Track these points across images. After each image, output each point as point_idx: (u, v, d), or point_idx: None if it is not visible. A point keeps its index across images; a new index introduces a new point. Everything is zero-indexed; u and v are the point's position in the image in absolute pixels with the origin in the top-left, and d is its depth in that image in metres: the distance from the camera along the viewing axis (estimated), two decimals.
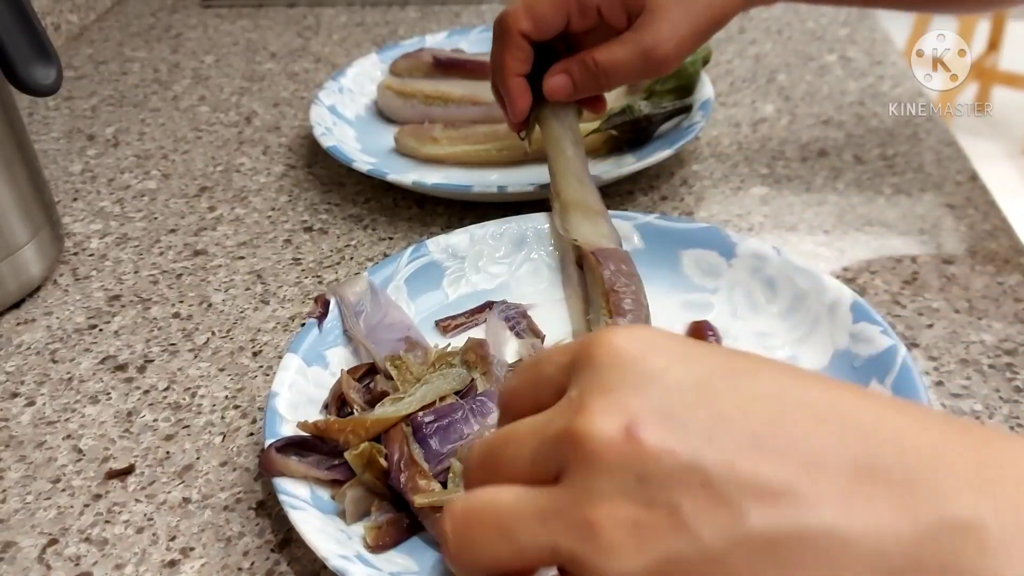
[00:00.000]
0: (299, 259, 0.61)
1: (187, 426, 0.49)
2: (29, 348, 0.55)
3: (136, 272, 0.61)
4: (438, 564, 0.39)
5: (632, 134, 0.67)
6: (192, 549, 0.42)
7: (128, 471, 0.46)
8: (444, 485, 0.40)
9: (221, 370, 0.52)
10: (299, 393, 0.46)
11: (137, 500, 0.45)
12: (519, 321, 0.51)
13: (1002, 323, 0.52)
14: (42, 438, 0.49)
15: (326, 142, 0.67)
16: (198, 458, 0.47)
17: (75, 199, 0.70)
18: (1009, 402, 0.47)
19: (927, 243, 0.60)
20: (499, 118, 0.70)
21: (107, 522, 0.43)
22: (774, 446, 0.24)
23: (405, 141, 0.70)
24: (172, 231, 0.65)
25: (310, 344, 0.48)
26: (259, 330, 0.55)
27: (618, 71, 0.53)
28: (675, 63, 0.54)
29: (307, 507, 0.40)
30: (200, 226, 0.66)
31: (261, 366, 0.53)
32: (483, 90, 0.72)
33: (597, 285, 0.50)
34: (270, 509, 0.44)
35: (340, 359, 0.49)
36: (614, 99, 0.69)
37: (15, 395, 0.52)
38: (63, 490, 0.45)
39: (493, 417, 0.43)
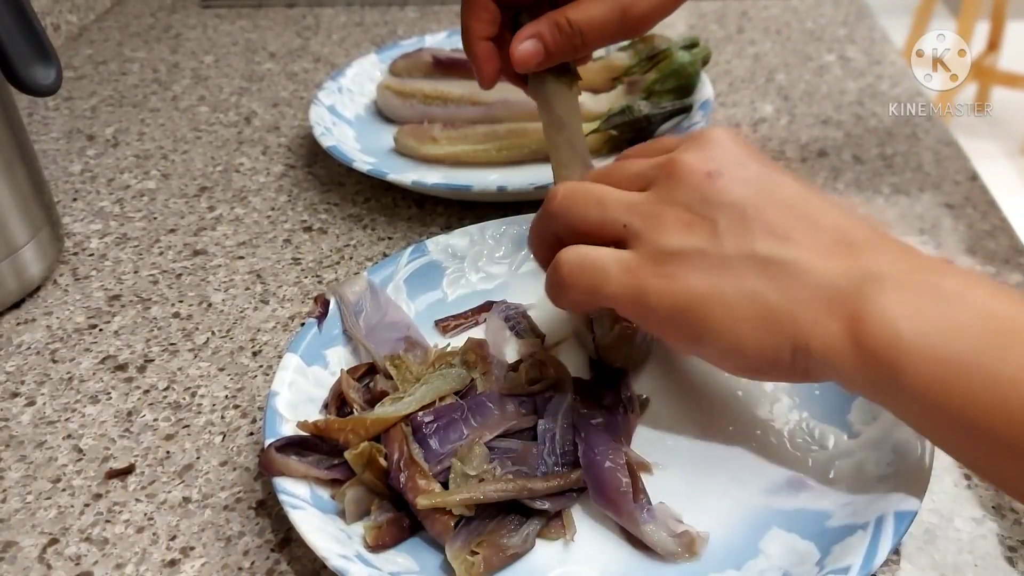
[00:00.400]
0: (299, 259, 0.62)
1: (187, 426, 0.49)
2: (29, 348, 0.55)
3: (136, 272, 0.61)
4: (438, 564, 0.40)
5: (632, 134, 0.67)
6: (192, 549, 0.42)
7: (128, 471, 0.46)
8: (444, 485, 0.40)
9: (221, 370, 0.53)
10: (299, 393, 0.46)
11: (137, 500, 0.45)
12: (519, 321, 0.51)
13: None
14: (42, 438, 0.49)
15: (326, 142, 0.67)
16: (198, 458, 0.47)
17: (75, 199, 0.70)
18: None
19: (926, 243, 0.60)
20: (499, 118, 0.70)
21: (107, 522, 0.44)
22: (794, 210, 0.37)
23: (405, 141, 0.70)
24: (172, 231, 0.65)
25: (310, 344, 0.48)
26: (259, 330, 0.55)
27: (594, 31, 0.49)
28: (653, 21, 0.50)
29: (307, 507, 0.40)
30: (200, 226, 0.66)
31: (261, 366, 0.53)
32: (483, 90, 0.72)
33: None
34: (270, 509, 0.44)
35: (340, 359, 0.49)
36: (614, 99, 0.70)
37: (15, 395, 0.52)
38: (63, 490, 0.45)
39: (493, 418, 0.43)
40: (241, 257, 0.62)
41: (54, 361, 0.54)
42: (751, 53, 0.87)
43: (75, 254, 0.63)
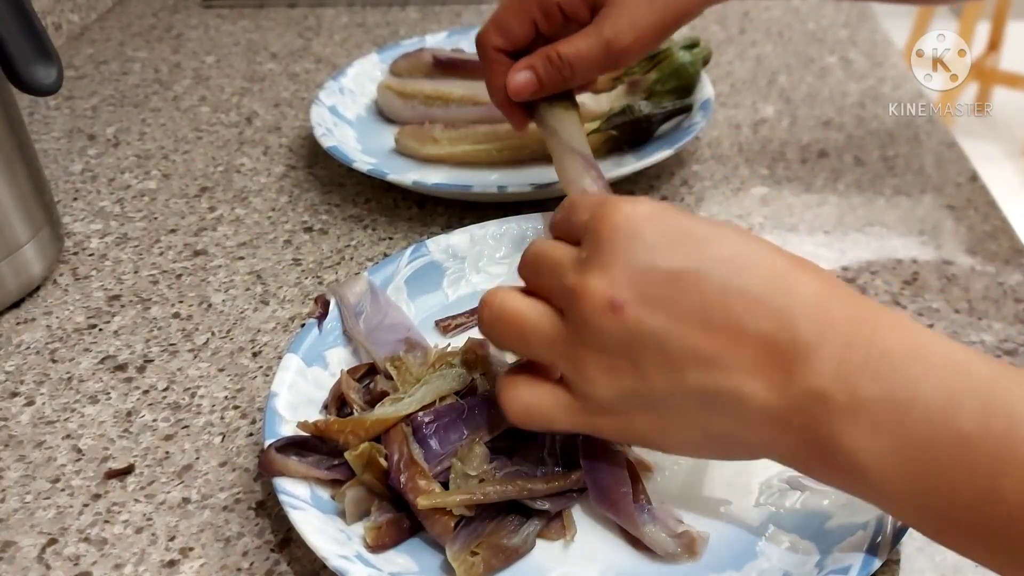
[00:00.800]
0: (299, 259, 0.61)
1: (187, 426, 0.49)
2: (29, 348, 0.55)
3: (136, 272, 0.61)
4: (438, 565, 0.40)
5: (632, 134, 0.67)
6: (191, 549, 0.42)
7: (127, 471, 0.46)
8: (444, 485, 0.40)
9: (221, 370, 0.52)
10: (299, 393, 0.46)
11: (136, 500, 0.45)
12: None
13: (1002, 324, 0.52)
14: (41, 438, 0.49)
15: (326, 142, 0.67)
16: (197, 458, 0.47)
17: (75, 199, 0.70)
18: None
19: (927, 244, 0.60)
20: (499, 118, 0.70)
21: (106, 522, 0.43)
22: (712, 323, 0.33)
23: (405, 141, 0.70)
24: (172, 231, 0.65)
25: (310, 344, 0.48)
26: (259, 330, 0.55)
27: (582, 63, 0.53)
28: (636, 54, 0.54)
29: (307, 507, 0.40)
30: (200, 226, 0.66)
31: (261, 366, 0.53)
32: (483, 90, 0.71)
33: None
34: (270, 509, 0.44)
35: (340, 359, 0.49)
36: (615, 99, 0.70)
37: (15, 395, 0.52)
38: (62, 490, 0.45)
39: (493, 418, 0.43)
40: (241, 258, 0.62)
41: (54, 361, 0.54)
42: (753, 55, 0.87)
43: (75, 254, 0.63)
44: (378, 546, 0.39)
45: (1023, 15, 2.62)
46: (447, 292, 0.55)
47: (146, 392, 0.51)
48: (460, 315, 0.53)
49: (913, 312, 0.53)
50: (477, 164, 0.68)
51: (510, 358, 0.48)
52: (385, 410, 0.43)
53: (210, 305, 0.58)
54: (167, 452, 0.47)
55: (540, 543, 0.40)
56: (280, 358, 0.49)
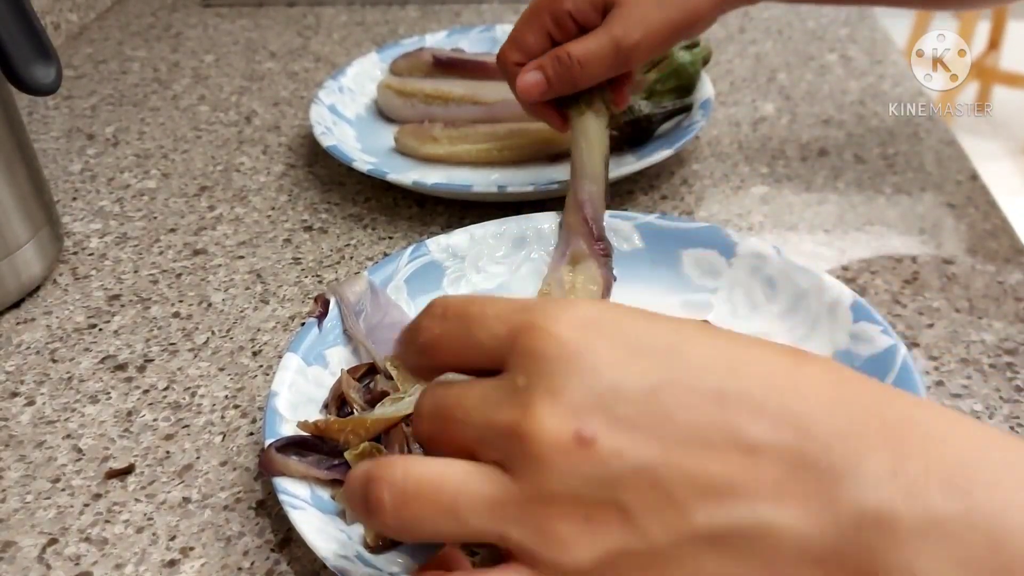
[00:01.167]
0: (299, 259, 0.61)
1: (187, 426, 0.49)
2: (29, 347, 0.55)
3: (136, 272, 0.61)
4: None
5: (632, 134, 0.67)
6: (192, 549, 0.42)
7: (128, 471, 0.46)
8: None
9: (221, 370, 0.52)
10: (299, 393, 0.46)
11: (137, 500, 0.45)
12: None
13: (1002, 323, 0.52)
14: (42, 438, 0.48)
15: (326, 141, 0.67)
16: (198, 458, 0.47)
17: (75, 198, 0.70)
18: (1009, 402, 0.47)
19: (927, 243, 0.60)
20: (500, 118, 0.70)
21: (107, 522, 0.43)
22: (717, 440, 0.25)
23: (405, 141, 0.70)
24: (172, 230, 0.65)
25: (310, 344, 0.48)
26: (259, 330, 0.55)
27: (591, 62, 0.54)
28: (646, 54, 0.55)
29: (307, 507, 0.40)
30: (200, 225, 0.66)
31: (261, 366, 0.53)
32: (483, 90, 0.72)
33: None
34: (270, 509, 0.44)
35: (340, 359, 0.49)
36: None
37: (15, 395, 0.52)
38: (63, 490, 0.45)
39: None
40: (241, 257, 0.62)
41: (54, 361, 0.54)
42: (752, 53, 0.87)
43: (75, 253, 0.63)
44: (378, 546, 0.39)
45: (1023, 15, 2.62)
46: (447, 292, 0.55)
47: (146, 392, 0.51)
48: None
49: (913, 311, 0.53)
50: (477, 164, 0.68)
51: None
52: (385, 410, 0.43)
53: (210, 304, 0.58)
54: (167, 452, 0.47)
55: None
56: (280, 357, 0.49)
